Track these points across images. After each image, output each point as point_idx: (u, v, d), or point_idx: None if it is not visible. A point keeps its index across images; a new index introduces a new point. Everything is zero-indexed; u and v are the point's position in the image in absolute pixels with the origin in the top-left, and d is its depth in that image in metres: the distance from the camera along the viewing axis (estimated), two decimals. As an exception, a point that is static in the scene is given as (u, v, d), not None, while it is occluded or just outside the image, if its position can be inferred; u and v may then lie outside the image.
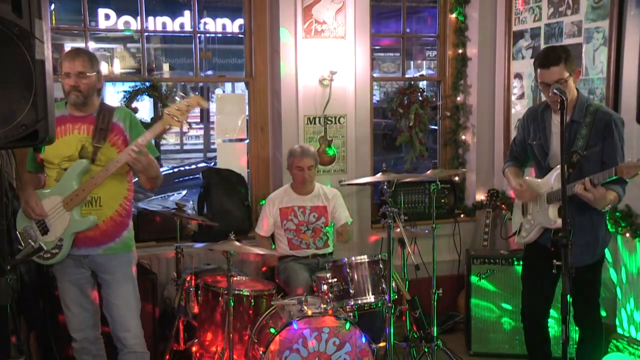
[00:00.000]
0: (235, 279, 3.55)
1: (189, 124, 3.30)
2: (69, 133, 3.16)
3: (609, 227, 3.46)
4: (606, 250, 3.43)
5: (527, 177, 3.55)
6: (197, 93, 3.25)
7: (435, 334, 3.98)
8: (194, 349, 3.79)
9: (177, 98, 3.18)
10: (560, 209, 3.23)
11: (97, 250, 3.19)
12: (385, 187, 3.59)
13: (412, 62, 11.90)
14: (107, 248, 3.20)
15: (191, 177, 8.43)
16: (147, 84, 4.50)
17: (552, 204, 3.26)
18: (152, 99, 4.52)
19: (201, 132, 13.10)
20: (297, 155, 4.23)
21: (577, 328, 3.35)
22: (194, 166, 9.45)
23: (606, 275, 4.12)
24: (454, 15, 5.24)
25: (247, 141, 5.00)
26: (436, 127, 5.55)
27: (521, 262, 3.73)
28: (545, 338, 3.55)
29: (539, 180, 3.40)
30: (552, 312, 3.68)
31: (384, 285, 3.61)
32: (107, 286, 3.24)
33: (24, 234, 3.18)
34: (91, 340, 3.29)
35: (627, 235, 3.86)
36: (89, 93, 3.13)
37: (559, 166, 3.23)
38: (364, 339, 3.37)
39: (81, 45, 4.72)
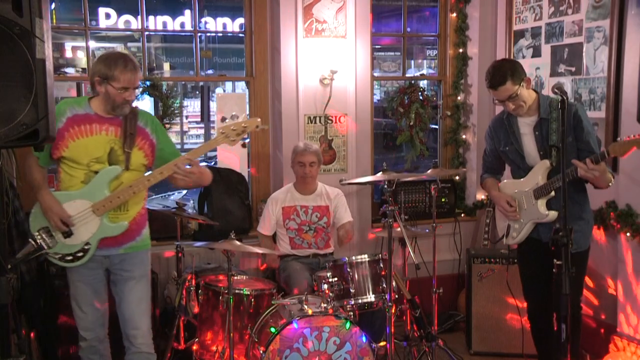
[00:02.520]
0: (235, 278, 3.55)
1: (244, 143, 3.21)
2: (97, 133, 3.06)
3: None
4: (607, 250, 3.44)
5: (505, 180, 3.60)
6: (247, 116, 3.11)
7: (435, 333, 3.98)
8: (194, 348, 3.79)
9: (233, 116, 3.05)
10: (548, 201, 3.33)
11: (118, 250, 3.15)
12: (385, 186, 3.59)
13: (412, 62, 11.87)
14: (128, 247, 3.17)
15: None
16: (148, 83, 4.51)
17: (540, 199, 3.34)
18: (152, 98, 4.52)
19: (201, 131, 13.10)
20: (300, 150, 4.24)
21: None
22: (194, 165, 9.43)
23: (606, 275, 4.13)
24: (454, 15, 5.24)
25: (248, 140, 5.00)
26: (437, 127, 5.55)
27: (517, 262, 3.72)
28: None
29: (520, 180, 3.45)
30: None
31: (384, 285, 3.61)
32: (123, 283, 3.19)
33: (41, 236, 3.07)
34: (100, 339, 3.25)
35: (628, 234, 3.86)
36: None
37: (542, 162, 3.34)
38: (364, 338, 3.37)
39: (82, 44, 4.72)
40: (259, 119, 3.12)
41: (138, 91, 3.08)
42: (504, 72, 3.23)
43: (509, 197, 3.47)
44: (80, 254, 3.07)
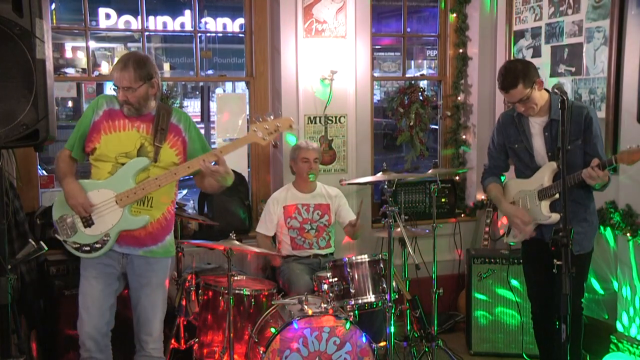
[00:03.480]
0: (235, 278, 3.55)
1: (275, 143, 3.16)
2: (127, 129, 3.07)
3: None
4: (608, 250, 3.44)
5: (509, 180, 3.60)
6: (273, 117, 3.10)
7: (435, 334, 3.98)
8: (194, 348, 3.79)
9: (267, 117, 3.00)
10: (552, 204, 3.31)
11: (138, 251, 3.10)
12: (385, 186, 3.59)
13: (412, 62, 11.89)
14: (148, 250, 3.11)
15: (192, 176, 8.42)
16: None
17: (544, 200, 3.32)
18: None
19: (202, 131, 13.10)
20: (303, 147, 4.26)
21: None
22: (194, 165, 9.43)
23: (606, 275, 4.13)
24: (454, 15, 5.24)
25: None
26: (437, 127, 5.55)
27: (521, 262, 3.72)
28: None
29: (525, 180, 3.44)
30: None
31: (384, 285, 3.61)
32: (140, 288, 3.13)
33: (60, 223, 3.06)
34: (101, 349, 3.12)
35: (628, 234, 3.86)
36: (140, 104, 3.05)
37: (549, 163, 3.32)
38: (364, 339, 3.37)
39: (82, 44, 4.72)
40: (292, 119, 3.08)
41: (136, 94, 2.99)
42: (515, 74, 3.19)
43: (523, 215, 3.39)
44: (98, 246, 3.04)
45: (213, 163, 3.03)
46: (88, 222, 3.03)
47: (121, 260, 3.12)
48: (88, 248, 3.04)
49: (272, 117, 3.04)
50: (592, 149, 3.23)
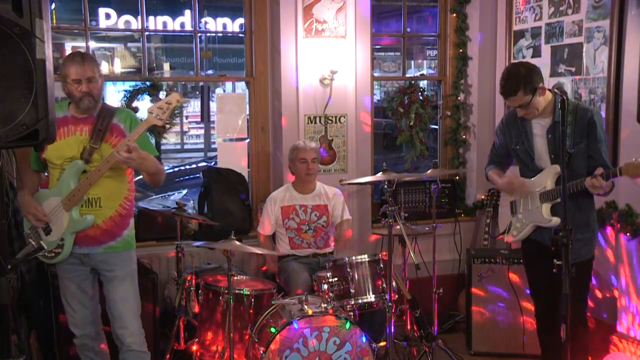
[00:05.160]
0: (235, 278, 3.55)
1: (171, 123, 3.46)
2: (71, 134, 3.17)
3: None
4: (608, 250, 3.44)
5: (511, 176, 3.57)
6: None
7: (435, 334, 3.98)
8: (194, 348, 3.79)
9: (160, 96, 3.15)
10: (553, 207, 3.29)
11: (98, 249, 3.21)
12: (385, 186, 3.59)
13: (412, 62, 11.89)
14: (108, 247, 3.22)
15: (192, 176, 8.43)
16: (148, 83, 4.50)
17: (546, 203, 3.30)
18: (152, 99, 4.52)
19: (202, 131, 13.10)
20: (301, 147, 4.25)
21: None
22: (194, 165, 9.46)
23: (606, 275, 4.13)
24: (454, 15, 5.24)
25: (248, 140, 5.00)
26: (437, 127, 5.55)
27: (522, 263, 3.72)
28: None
29: (528, 180, 3.42)
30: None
31: (384, 285, 3.61)
32: (108, 283, 3.27)
33: (30, 235, 3.23)
34: (92, 337, 3.33)
35: (628, 234, 3.86)
36: (99, 97, 3.16)
37: (552, 166, 3.29)
38: (364, 339, 3.37)
39: (82, 44, 4.72)
40: (179, 93, 3.22)
41: (98, 85, 3.12)
42: (517, 81, 3.15)
43: (512, 178, 3.43)
44: (58, 250, 3.16)
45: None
46: (47, 230, 3.18)
47: (84, 260, 3.24)
48: (53, 254, 3.18)
49: (165, 97, 3.21)
50: (595, 153, 3.20)
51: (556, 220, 3.25)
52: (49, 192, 3.21)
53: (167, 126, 4.49)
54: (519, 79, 3.16)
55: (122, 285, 3.26)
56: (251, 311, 3.66)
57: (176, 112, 4.58)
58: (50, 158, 3.17)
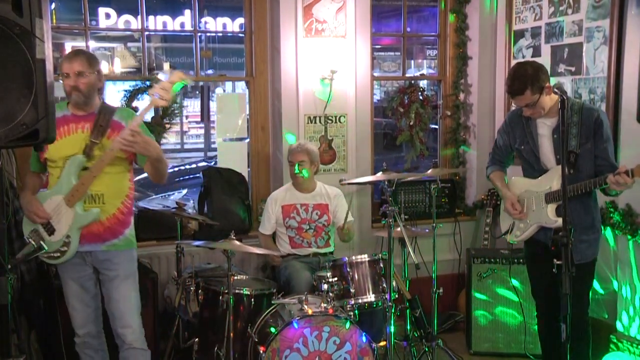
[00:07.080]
0: (235, 278, 3.55)
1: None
2: (72, 132, 3.17)
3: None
4: (608, 250, 3.44)
5: (515, 177, 3.56)
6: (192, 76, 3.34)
7: (435, 333, 3.98)
8: (194, 347, 3.79)
9: (160, 77, 3.13)
10: (558, 207, 3.26)
11: (100, 247, 3.20)
12: (385, 186, 3.59)
13: (412, 61, 11.90)
14: (110, 244, 3.22)
15: (192, 176, 8.44)
16: (148, 83, 4.50)
17: (551, 204, 3.28)
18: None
19: (202, 131, 13.11)
20: (292, 149, 4.30)
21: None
22: (194, 165, 9.46)
23: (607, 275, 4.13)
24: (454, 15, 5.24)
25: (248, 140, 5.00)
26: (437, 126, 5.55)
27: (524, 262, 3.72)
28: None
29: (533, 180, 3.40)
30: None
31: (384, 285, 3.61)
32: (109, 282, 3.26)
33: (31, 238, 3.20)
34: (93, 335, 3.34)
35: (628, 234, 3.86)
36: (89, 92, 3.14)
37: (558, 167, 3.26)
38: (364, 338, 3.37)
39: (82, 44, 4.72)
40: (181, 71, 3.19)
41: (87, 80, 3.10)
42: (524, 80, 3.12)
43: (514, 199, 3.42)
44: (64, 249, 3.15)
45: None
46: (50, 230, 3.15)
47: (87, 258, 3.24)
48: (58, 254, 3.16)
49: (165, 78, 3.18)
50: (602, 153, 3.18)
51: (561, 221, 3.24)
52: (49, 192, 3.20)
53: (167, 125, 4.49)
54: (527, 78, 3.13)
55: (124, 284, 3.26)
56: (251, 311, 3.66)
57: (176, 111, 4.59)
58: (52, 157, 3.16)
